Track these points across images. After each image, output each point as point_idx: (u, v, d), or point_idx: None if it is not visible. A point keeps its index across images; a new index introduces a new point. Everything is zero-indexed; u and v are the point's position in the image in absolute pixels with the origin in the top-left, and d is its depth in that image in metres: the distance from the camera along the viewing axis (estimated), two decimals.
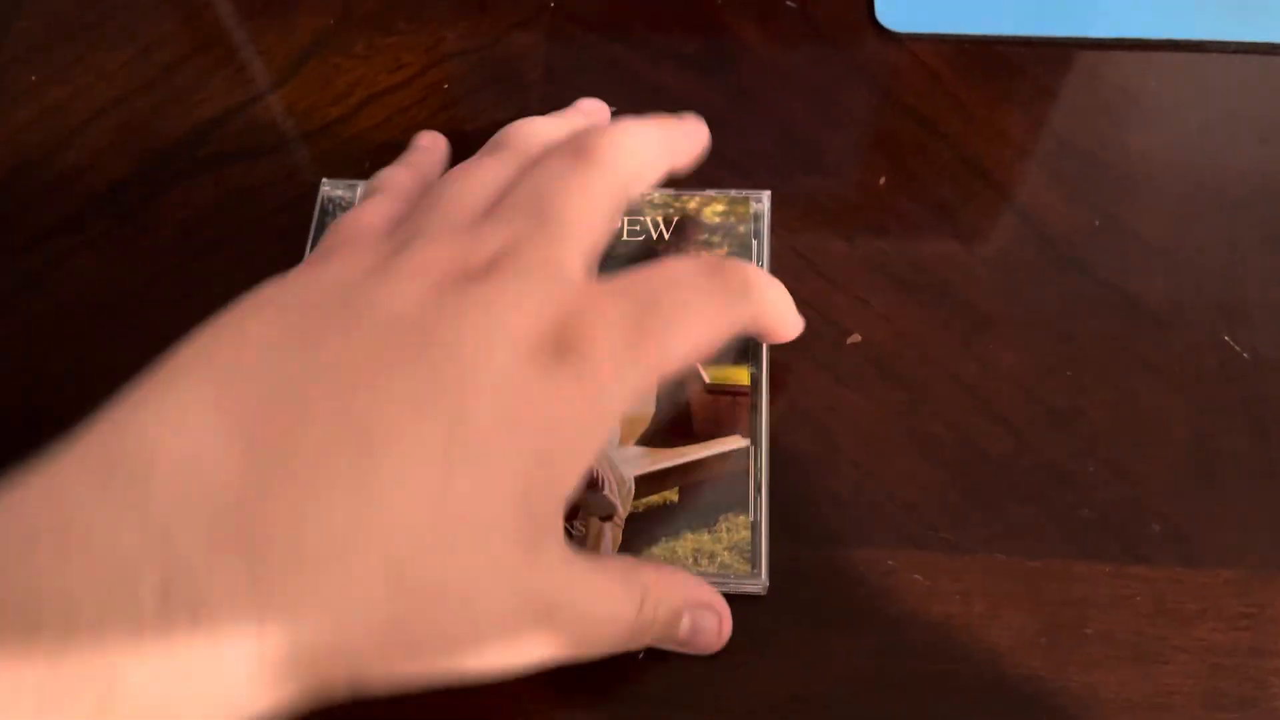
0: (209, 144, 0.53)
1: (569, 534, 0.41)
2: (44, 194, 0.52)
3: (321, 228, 0.49)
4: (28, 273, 0.50)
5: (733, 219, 0.48)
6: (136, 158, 0.53)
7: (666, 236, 0.48)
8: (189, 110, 0.54)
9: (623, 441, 0.43)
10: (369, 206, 0.39)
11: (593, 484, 0.42)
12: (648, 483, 0.42)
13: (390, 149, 0.52)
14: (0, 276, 0.50)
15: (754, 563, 0.40)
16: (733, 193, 0.49)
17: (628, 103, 0.53)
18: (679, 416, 0.44)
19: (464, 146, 0.52)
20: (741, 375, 0.44)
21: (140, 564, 0.25)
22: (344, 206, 0.49)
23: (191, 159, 0.53)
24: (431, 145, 0.46)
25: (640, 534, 0.41)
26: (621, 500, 0.42)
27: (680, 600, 0.37)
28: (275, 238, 0.50)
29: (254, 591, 0.26)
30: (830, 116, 0.53)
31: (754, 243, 0.48)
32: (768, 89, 0.54)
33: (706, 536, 0.41)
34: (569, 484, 0.32)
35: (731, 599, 0.39)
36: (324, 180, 0.50)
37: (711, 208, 0.49)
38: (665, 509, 0.42)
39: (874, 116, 0.53)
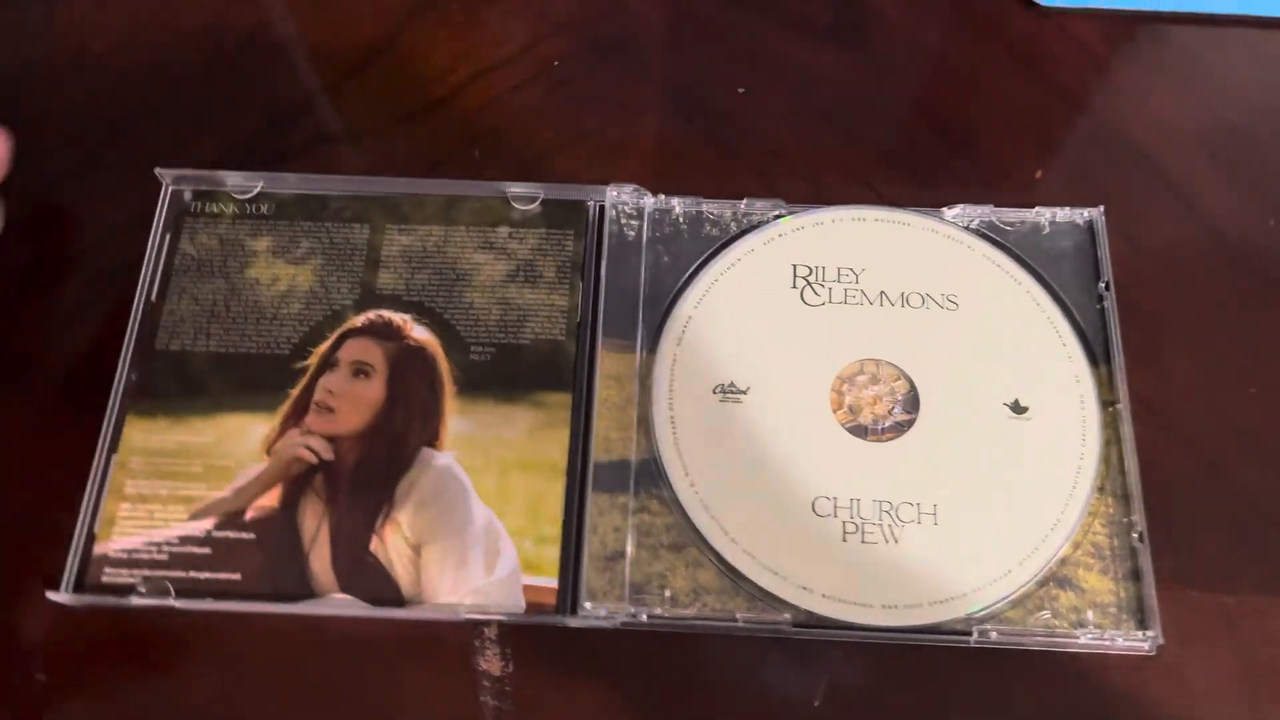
0: (295, 129, 0.48)
1: None
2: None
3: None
4: None
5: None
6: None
7: None
8: (266, 89, 0.49)
9: None
10: None
11: None
12: None
13: (500, 136, 0.47)
14: None
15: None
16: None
17: (758, 78, 0.49)
18: None
19: (580, 130, 0.48)
20: None
21: None
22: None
23: (276, 149, 0.48)
24: None
25: None
26: None
27: None
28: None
29: None
30: (978, 98, 0.49)
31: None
32: (909, 66, 0.50)
33: None
34: None
35: None
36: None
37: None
38: None
39: (1025, 98, 0.49)
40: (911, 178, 0.47)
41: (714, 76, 0.49)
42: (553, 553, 0.40)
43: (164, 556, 0.40)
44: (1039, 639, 0.38)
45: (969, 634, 0.38)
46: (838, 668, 0.39)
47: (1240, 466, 0.41)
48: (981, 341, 0.43)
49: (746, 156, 0.47)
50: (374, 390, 0.42)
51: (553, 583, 0.39)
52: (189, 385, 0.43)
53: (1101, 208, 0.44)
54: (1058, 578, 0.39)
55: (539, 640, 0.39)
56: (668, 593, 0.39)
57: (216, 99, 0.49)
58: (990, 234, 0.45)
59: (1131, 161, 0.47)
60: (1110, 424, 0.41)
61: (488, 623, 0.39)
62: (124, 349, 0.43)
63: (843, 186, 0.47)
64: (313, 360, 0.43)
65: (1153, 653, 0.38)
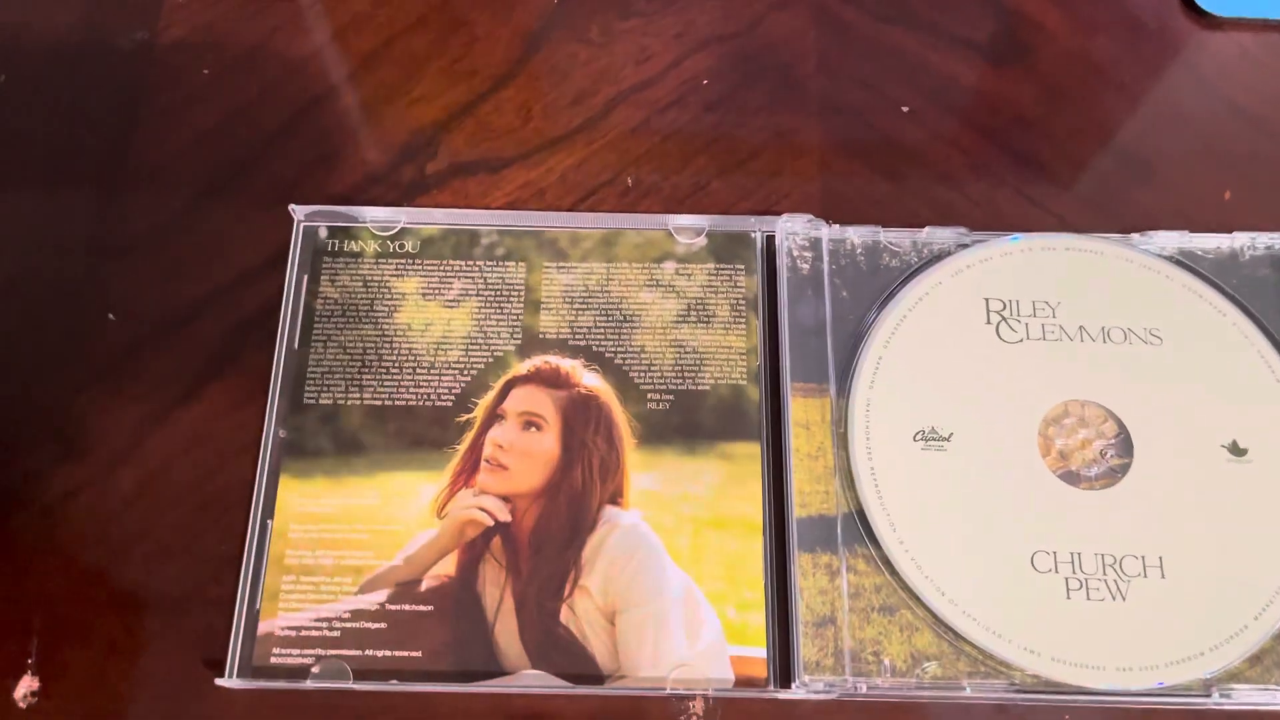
0: (428, 160, 0.45)
1: None
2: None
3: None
4: None
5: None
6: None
7: None
8: (394, 118, 0.46)
9: None
10: None
11: None
12: None
13: (653, 161, 0.44)
14: None
15: None
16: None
17: (916, 97, 0.46)
18: None
19: (737, 155, 0.45)
20: None
21: None
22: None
23: (409, 182, 0.45)
24: None
25: None
26: None
27: None
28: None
29: None
30: (1153, 116, 0.46)
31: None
32: (1075, 82, 0.47)
33: None
34: None
35: None
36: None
37: None
38: None
39: (1201, 115, 0.46)
40: (1091, 202, 0.44)
41: (873, 96, 0.46)
42: (758, 619, 0.37)
43: (336, 634, 0.37)
44: None
45: (1209, 695, 0.36)
46: None
47: None
48: (1190, 378, 0.40)
49: (915, 181, 0.45)
50: (548, 444, 0.39)
51: (761, 653, 0.37)
52: (344, 442, 0.39)
53: None
54: None
55: (750, 715, 0.36)
56: (886, 661, 0.36)
57: (342, 129, 0.46)
58: (1186, 261, 0.42)
59: None
60: None
61: (694, 698, 0.36)
62: (269, 403, 0.40)
63: (1021, 212, 0.44)
64: (478, 413, 0.40)
65: None
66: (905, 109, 0.46)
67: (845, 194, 0.45)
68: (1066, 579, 0.37)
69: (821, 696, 0.36)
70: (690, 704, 0.36)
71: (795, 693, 0.36)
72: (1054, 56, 0.47)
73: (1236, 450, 0.39)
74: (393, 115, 0.46)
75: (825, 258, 0.42)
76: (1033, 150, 0.45)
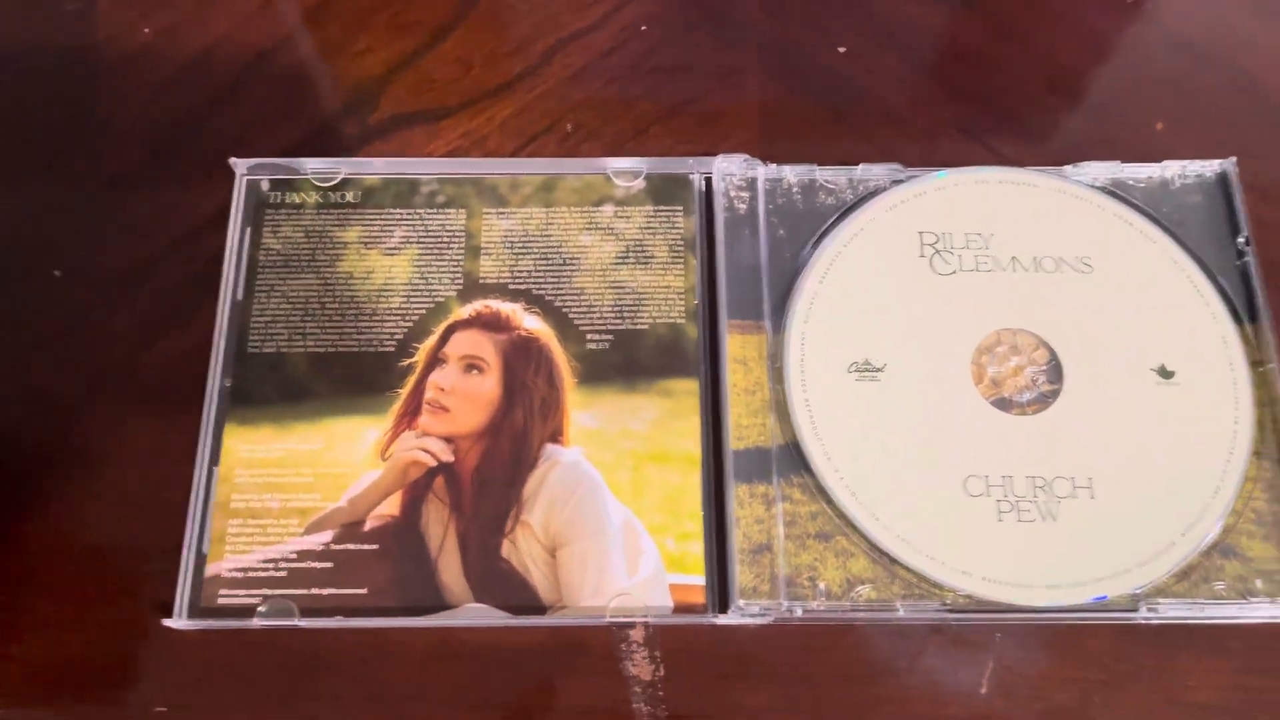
0: (371, 111, 0.45)
1: None
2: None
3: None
4: None
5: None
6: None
7: None
8: (335, 70, 0.46)
9: None
10: None
11: None
12: None
13: (594, 108, 0.45)
14: None
15: None
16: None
17: (862, 36, 0.46)
18: None
19: (676, 99, 0.45)
20: None
21: None
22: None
23: (352, 134, 0.45)
24: None
25: None
26: None
27: None
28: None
29: None
30: (1095, 49, 0.47)
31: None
32: (1013, 18, 0.47)
33: None
34: None
35: None
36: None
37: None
38: None
39: (1144, 48, 0.47)
40: (1029, 135, 0.45)
41: (814, 36, 0.46)
42: (696, 549, 0.38)
43: (283, 574, 0.37)
44: (1208, 612, 0.37)
45: (1136, 610, 0.37)
46: (1002, 651, 0.37)
47: None
48: (1121, 305, 0.41)
49: (854, 120, 0.45)
50: (489, 386, 0.40)
51: (700, 581, 0.37)
52: (289, 389, 0.40)
53: (1234, 159, 0.43)
54: (1221, 547, 0.38)
55: (688, 641, 0.37)
56: (821, 585, 0.37)
57: (286, 84, 0.46)
58: (1118, 191, 0.43)
59: (1259, 111, 0.45)
60: (1262, 385, 0.40)
61: (634, 625, 0.37)
62: (214, 353, 0.40)
63: (958, 147, 0.45)
64: (420, 357, 0.40)
65: None
66: (841, 49, 0.46)
67: (786, 134, 0.45)
68: (998, 502, 0.38)
69: (757, 621, 0.37)
70: (630, 632, 0.37)
71: (732, 618, 0.37)
72: None
73: (1164, 373, 0.40)
74: (337, 69, 0.46)
75: (760, 197, 0.43)
76: (971, 86, 0.46)
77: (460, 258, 0.42)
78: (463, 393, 0.40)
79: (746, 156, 0.43)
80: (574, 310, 0.41)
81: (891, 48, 0.46)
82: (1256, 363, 0.40)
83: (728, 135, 0.45)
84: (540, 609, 0.37)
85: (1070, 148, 0.44)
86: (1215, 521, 0.38)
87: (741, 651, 0.37)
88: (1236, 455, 0.39)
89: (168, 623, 0.36)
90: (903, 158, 0.43)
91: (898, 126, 0.45)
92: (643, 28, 0.47)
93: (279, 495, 0.38)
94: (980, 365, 0.40)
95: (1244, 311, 0.41)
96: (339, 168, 0.43)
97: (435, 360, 0.40)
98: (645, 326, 0.41)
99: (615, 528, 0.38)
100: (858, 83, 0.46)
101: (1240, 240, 0.42)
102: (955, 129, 0.45)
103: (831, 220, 0.43)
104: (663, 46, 0.46)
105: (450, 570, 0.38)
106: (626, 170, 0.43)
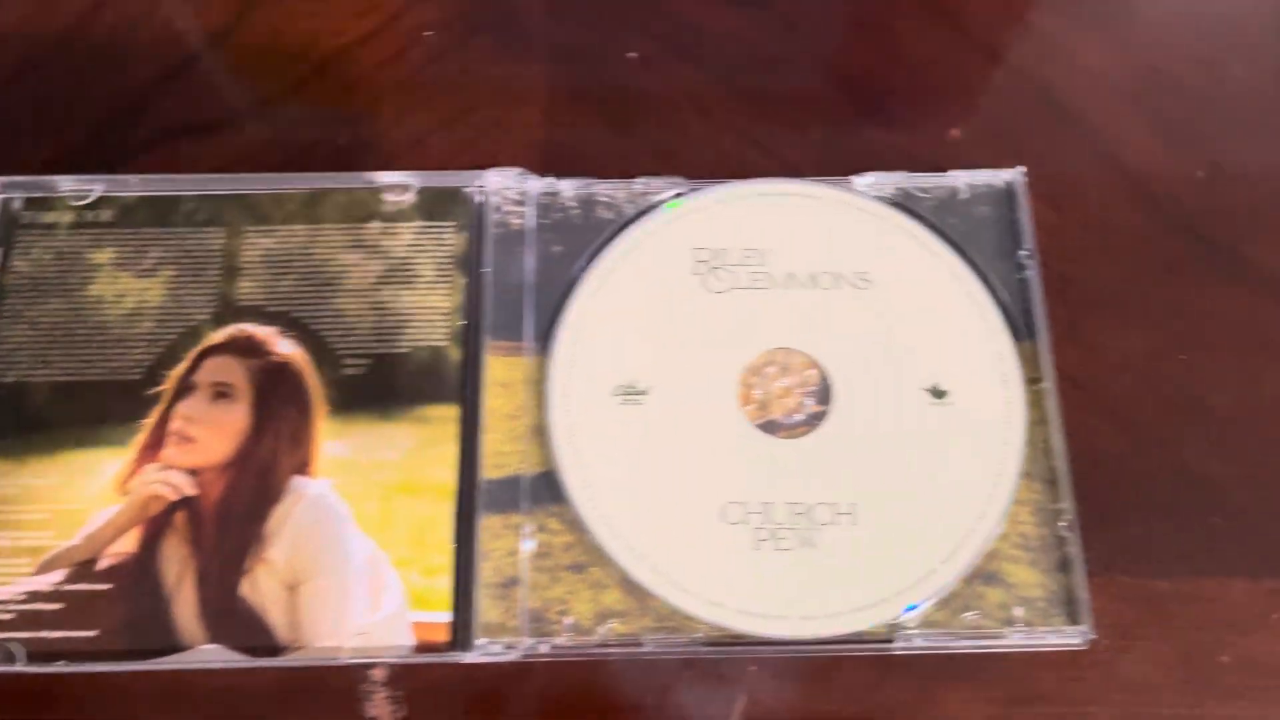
0: (137, 124, 0.43)
1: None
2: None
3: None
4: None
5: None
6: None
7: None
8: (101, 81, 0.44)
9: None
10: None
11: None
12: None
13: (370, 119, 0.43)
14: None
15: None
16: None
17: (652, 42, 0.45)
18: None
19: (457, 109, 0.43)
20: None
21: None
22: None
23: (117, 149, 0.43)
24: None
25: None
26: None
27: None
28: None
29: None
30: (891, 53, 0.45)
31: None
32: (815, 21, 0.46)
33: None
34: None
35: None
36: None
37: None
38: None
39: (940, 52, 0.45)
40: (819, 145, 0.43)
41: (603, 42, 0.45)
42: (443, 584, 0.36)
43: (9, 616, 0.36)
44: (965, 642, 0.36)
45: (893, 641, 0.36)
46: (755, 686, 0.36)
47: (1172, 441, 0.39)
48: (896, 322, 0.40)
49: (642, 130, 0.44)
50: (238, 415, 0.38)
51: (445, 617, 0.36)
52: (28, 421, 0.38)
53: (1022, 168, 0.41)
54: (984, 574, 0.37)
55: (434, 680, 0.36)
56: (569, 619, 0.36)
57: (45, 95, 0.44)
58: (905, 203, 0.42)
59: (1054, 117, 0.44)
60: (1036, 403, 0.39)
61: (375, 665, 0.36)
62: None
63: (747, 158, 0.43)
64: (168, 385, 0.39)
65: (1084, 647, 0.35)
66: (633, 55, 0.44)
67: (570, 145, 0.43)
68: (756, 530, 0.37)
69: (501, 658, 0.36)
70: (372, 672, 0.36)
71: (474, 656, 0.36)
72: None
73: (937, 393, 0.39)
74: (102, 80, 0.44)
75: (531, 212, 0.41)
76: (762, 93, 0.44)
77: (217, 279, 0.40)
78: (210, 422, 0.38)
79: (521, 170, 0.41)
80: (332, 333, 0.40)
81: (683, 54, 0.44)
82: (1032, 380, 0.39)
83: (508, 147, 0.43)
84: (276, 649, 0.36)
85: (864, 157, 0.43)
86: (979, 547, 0.37)
87: (489, 690, 0.36)
88: (1005, 477, 0.38)
89: None
90: (689, 170, 0.42)
91: (685, 137, 0.43)
92: (427, 33, 0.45)
93: (9, 533, 0.37)
94: (748, 386, 0.39)
95: (1022, 327, 0.40)
96: (95, 185, 0.41)
97: (184, 388, 0.39)
98: (406, 350, 0.40)
99: (359, 563, 0.37)
100: (647, 91, 0.44)
101: (1022, 254, 0.41)
102: (744, 140, 0.43)
103: (605, 236, 0.41)
104: (446, 53, 0.45)
105: (186, 610, 0.36)
106: (396, 184, 0.42)
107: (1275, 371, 0.39)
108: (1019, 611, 0.36)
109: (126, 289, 0.40)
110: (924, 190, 0.42)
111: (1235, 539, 0.37)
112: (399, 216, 0.41)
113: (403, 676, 0.36)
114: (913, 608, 0.36)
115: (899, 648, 0.36)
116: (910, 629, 0.36)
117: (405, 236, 0.41)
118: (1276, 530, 0.37)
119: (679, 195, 0.41)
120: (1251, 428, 0.39)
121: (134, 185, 0.41)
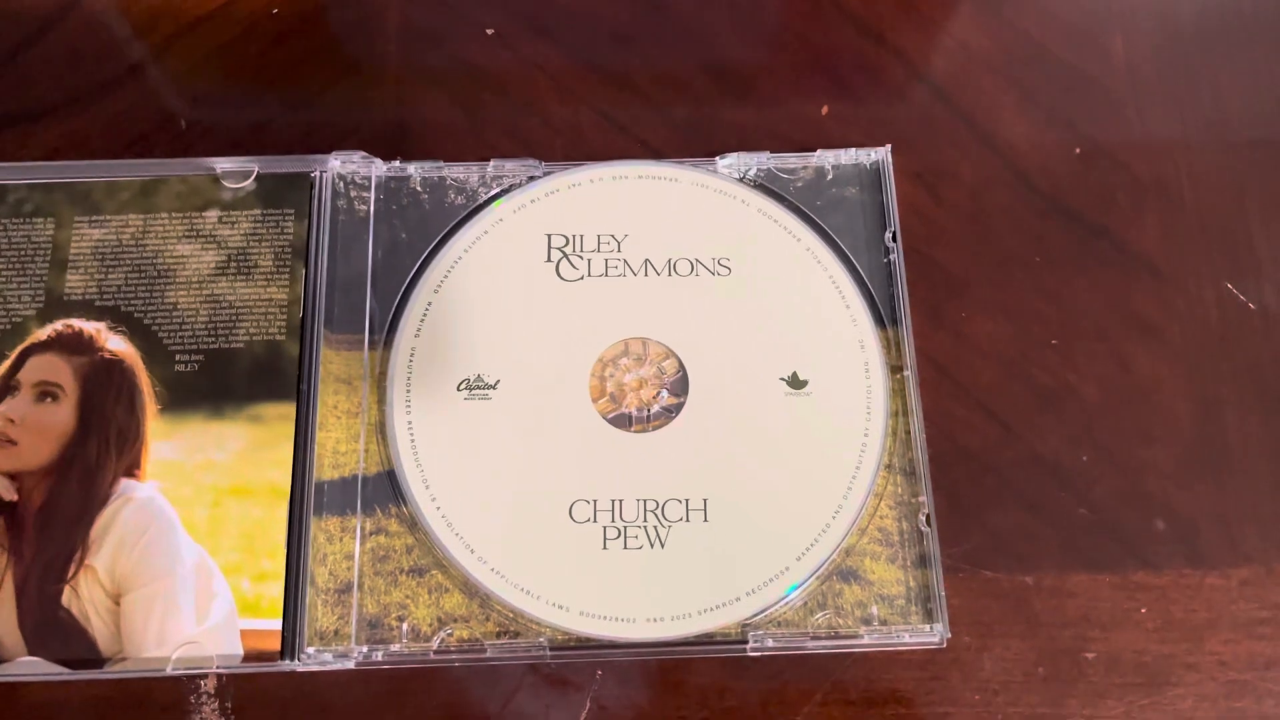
0: None
1: None
2: None
3: None
4: None
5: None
6: None
7: None
8: None
9: None
10: None
11: None
12: None
13: (213, 102, 0.41)
14: None
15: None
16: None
17: (515, 21, 0.43)
18: None
19: (304, 92, 0.41)
20: None
21: None
22: None
23: None
24: None
25: None
26: None
27: None
28: None
29: None
30: (757, 29, 0.43)
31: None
32: (687, 3, 0.44)
33: None
34: None
35: None
36: None
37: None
38: None
39: (805, 24, 0.43)
40: (683, 125, 0.41)
41: (456, 19, 0.43)
42: (275, 590, 0.35)
43: None
44: (819, 643, 0.34)
45: (744, 642, 0.34)
46: (601, 691, 0.35)
47: (1039, 431, 0.37)
48: (756, 310, 0.38)
49: (496, 111, 0.42)
50: (63, 415, 0.36)
51: (276, 625, 0.34)
52: None
53: (888, 147, 0.40)
54: (841, 571, 0.35)
55: (266, 690, 0.34)
56: (406, 625, 0.35)
57: None
58: (769, 185, 0.40)
59: (927, 94, 0.42)
60: (898, 393, 0.37)
61: (203, 676, 0.34)
62: None
63: (606, 140, 0.41)
64: None
65: (942, 645, 0.34)
66: (490, 31, 0.42)
67: (423, 126, 0.41)
68: (605, 528, 0.36)
69: (333, 667, 0.34)
70: (202, 683, 0.34)
71: (304, 664, 0.34)
72: None
73: (796, 383, 0.37)
74: None
75: (373, 197, 0.39)
76: (625, 72, 0.42)
77: (44, 272, 0.38)
78: (33, 423, 0.36)
79: (364, 154, 0.39)
80: (164, 328, 0.38)
81: (542, 30, 0.42)
82: (895, 368, 0.37)
83: (358, 129, 0.41)
84: (99, 661, 0.34)
85: (731, 137, 0.41)
86: (835, 543, 0.35)
87: (323, 700, 0.34)
88: (864, 470, 0.36)
89: None
90: (545, 152, 0.40)
91: (543, 117, 0.42)
92: (274, 11, 0.43)
93: None
94: (601, 379, 0.37)
95: (886, 314, 0.38)
96: None
97: (6, 388, 0.37)
98: (241, 345, 0.38)
99: (186, 570, 0.35)
100: (504, 70, 0.42)
101: (887, 236, 0.39)
102: (605, 120, 0.41)
103: (454, 223, 0.39)
104: (294, 32, 0.42)
105: (4, 621, 0.34)
106: (235, 170, 0.40)
107: (1147, 357, 0.38)
108: (875, 610, 0.35)
109: None
110: (789, 171, 0.40)
111: (1101, 532, 0.36)
112: (238, 204, 0.39)
113: (233, 687, 0.34)
114: (795, 588, 0.34)
115: (751, 649, 0.34)
116: (761, 630, 0.34)
117: (244, 225, 0.39)
118: (1144, 523, 0.36)
119: (501, 194, 0.39)
120: (1121, 416, 0.37)
121: None
